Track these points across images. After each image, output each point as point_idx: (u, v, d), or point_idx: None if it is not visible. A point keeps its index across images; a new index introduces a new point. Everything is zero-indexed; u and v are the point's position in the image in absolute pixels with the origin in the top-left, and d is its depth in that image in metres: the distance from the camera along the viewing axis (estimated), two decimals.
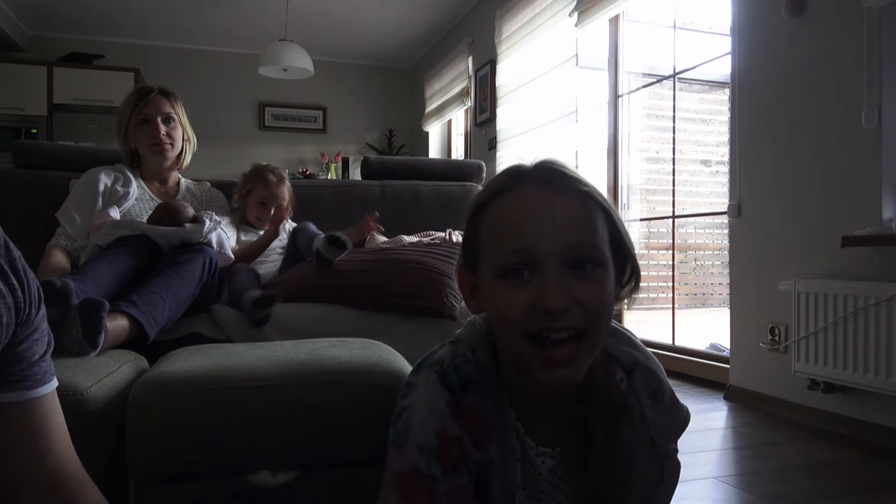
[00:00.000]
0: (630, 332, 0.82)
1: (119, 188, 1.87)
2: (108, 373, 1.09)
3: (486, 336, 0.76)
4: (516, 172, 0.74)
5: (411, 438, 0.72)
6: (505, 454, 0.73)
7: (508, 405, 0.75)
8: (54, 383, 0.71)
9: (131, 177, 1.92)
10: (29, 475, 0.69)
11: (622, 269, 0.75)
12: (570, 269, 0.67)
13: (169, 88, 1.98)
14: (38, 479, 0.69)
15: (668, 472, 0.78)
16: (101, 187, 1.84)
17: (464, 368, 0.74)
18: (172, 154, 1.95)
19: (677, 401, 0.79)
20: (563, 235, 0.68)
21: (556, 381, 0.68)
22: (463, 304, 1.58)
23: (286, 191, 2.09)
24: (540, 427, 0.76)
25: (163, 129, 1.90)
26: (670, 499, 0.81)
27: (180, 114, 1.96)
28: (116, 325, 1.27)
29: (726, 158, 3.03)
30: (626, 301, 0.77)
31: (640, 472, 0.74)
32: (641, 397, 0.76)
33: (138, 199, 1.91)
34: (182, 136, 1.97)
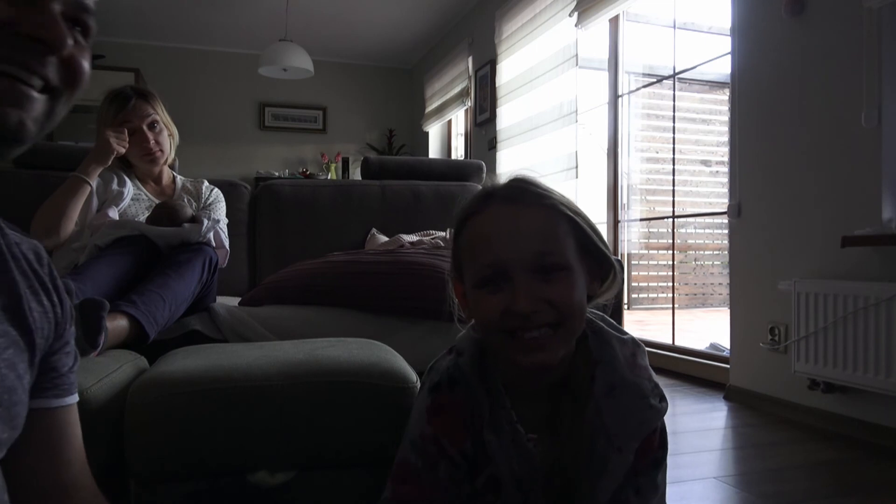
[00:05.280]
0: (613, 332, 0.87)
1: (115, 187, 1.87)
2: (108, 373, 1.09)
3: (476, 340, 0.86)
4: (486, 193, 0.84)
5: (408, 434, 0.86)
6: (502, 436, 0.83)
7: (505, 396, 0.84)
8: (77, 397, 0.74)
9: (126, 178, 1.91)
10: (45, 484, 0.70)
11: (599, 266, 0.84)
12: (537, 275, 0.77)
13: (144, 89, 1.91)
14: (55, 488, 0.71)
15: (615, 466, 0.83)
16: (94, 184, 1.82)
17: (452, 370, 0.85)
18: (163, 158, 1.94)
19: (648, 403, 0.83)
20: (528, 247, 0.78)
21: (534, 364, 0.77)
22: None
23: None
24: (527, 414, 0.85)
25: (151, 137, 1.86)
26: (609, 493, 0.85)
27: (161, 113, 1.91)
28: (116, 324, 1.27)
29: (726, 158, 3.03)
30: (606, 293, 0.86)
31: (594, 458, 0.82)
32: (597, 390, 0.83)
33: (135, 198, 1.90)
34: (167, 134, 1.94)
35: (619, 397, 0.83)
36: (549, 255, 0.77)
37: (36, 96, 0.57)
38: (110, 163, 1.80)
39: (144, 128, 1.85)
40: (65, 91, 0.60)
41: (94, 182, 1.78)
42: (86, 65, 0.61)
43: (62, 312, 0.71)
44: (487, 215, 0.81)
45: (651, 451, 0.86)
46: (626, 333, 0.88)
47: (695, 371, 3.13)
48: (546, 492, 0.83)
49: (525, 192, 0.81)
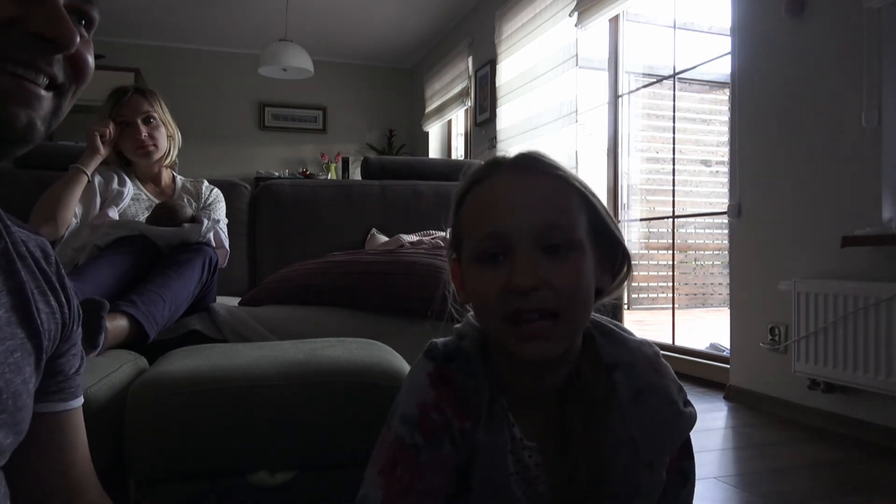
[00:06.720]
0: (626, 333, 0.80)
1: (115, 187, 1.87)
2: (108, 373, 1.09)
3: (479, 327, 0.78)
4: (494, 162, 0.76)
5: (397, 412, 0.74)
6: (496, 439, 0.74)
7: (501, 394, 0.76)
8: (82, 399, 0.74)
9: (126, 177, 1.92)
10: (52, 487, 0.70)
11: (611, 257, 0.75)
12: (542, 252, 0.68)
13: (145, 87, 1.93)
14: (60, 491, 0.71)
15: (648, 486, 0.75)
16: (92, 175, 1.84)
17: (450, 346, 0.77)
18: (157, 154, 1.94)
19: (677, 409, 0.76)
20: (534, 217, 0.69)
21: (533, 355, 0.69)
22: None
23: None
24: (530, 421, 0.76)
25: (144, 130, 1.87)
26: None
27: (160, 111, 1.92)
28: (116, 324, 1.26)
29: (726, 158, 3.03)
30: (617, 289, 0.77)
31: (621, 475, 0.73)
32: (622, 397, 0.75)
33: (134, 198, 1.90)
34: (165, 134, 1.95)
35: (645, 404, 0.74)
36: (557, 230, 0.69)
37: (43, 94, 0.56)
38: (102, 149, 1.83)
39: (139, 121, 1.86)
40: (71, 87, 0.59)
41: (89, 170, 1.81)
42: (90, 59, 0.60)
43: (69, 312, 0.69)
44: (492, 183, 0.73)
45: (673, 467, 0.79)
46: (635, 336, 0.81)
47: (695, 371, 3.13)
48: None
49: (536, 161, 0.75)
